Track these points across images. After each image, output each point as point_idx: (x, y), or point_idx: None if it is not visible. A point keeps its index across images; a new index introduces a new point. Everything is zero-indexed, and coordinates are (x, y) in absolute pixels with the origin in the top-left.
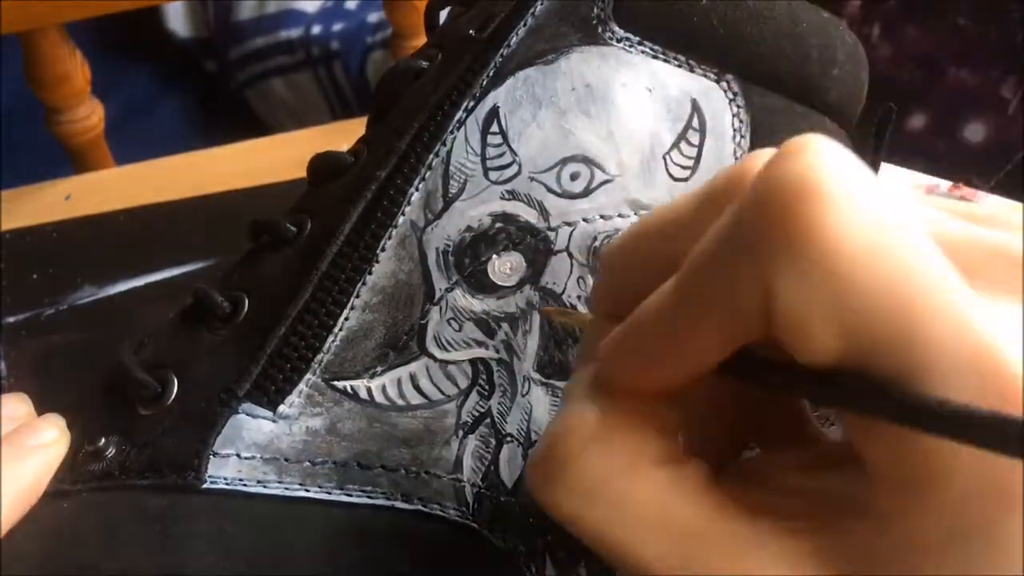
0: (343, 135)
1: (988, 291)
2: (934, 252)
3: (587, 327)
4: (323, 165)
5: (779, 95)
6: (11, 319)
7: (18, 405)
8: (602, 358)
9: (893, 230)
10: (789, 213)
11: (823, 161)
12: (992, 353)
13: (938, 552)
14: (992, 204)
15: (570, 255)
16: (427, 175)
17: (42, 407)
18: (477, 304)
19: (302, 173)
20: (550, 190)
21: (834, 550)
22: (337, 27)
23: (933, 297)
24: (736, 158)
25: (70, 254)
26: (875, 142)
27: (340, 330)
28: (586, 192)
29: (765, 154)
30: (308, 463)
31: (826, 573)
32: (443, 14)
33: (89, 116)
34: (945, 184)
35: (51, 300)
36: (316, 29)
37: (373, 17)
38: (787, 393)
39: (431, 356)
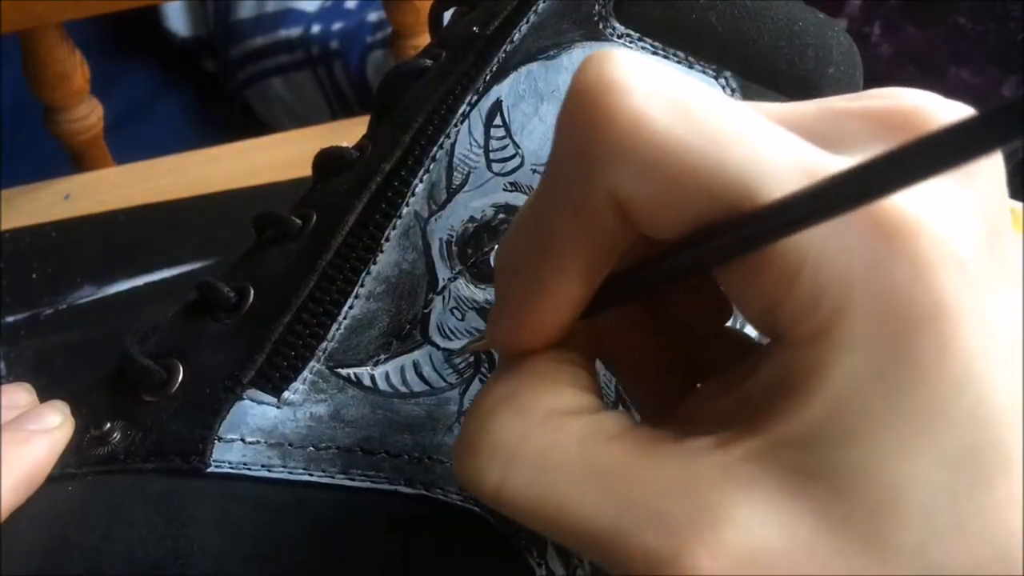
0: (343, 135)
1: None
2: (734, 102)
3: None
4: (328, 160)
5: (777, 92)
6: (11, 319)
7: (20, 394)
8: (488, 334)
9: (688, 91)
10: (598, 114)
11: (610, 60)
12: (811, 155)
13: (866, 404)
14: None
15: None
16: (431, 167)
17: None
18: (480, 294)
19: (302, 172)
20: None
21: (770, 446)
22: (337, 26)
23: (744, 128)
24: None
25: (70, 254)
26: None
27: (344, 319)
28: None
29: None
30: (312, 448)
31: (766, 473)
32: (446, 16)
33: (88, 116)
34: None
35: (51, 300)
36: (316, 28)
37: (373, 16)
38: (662, 283)
39: (434, 344)
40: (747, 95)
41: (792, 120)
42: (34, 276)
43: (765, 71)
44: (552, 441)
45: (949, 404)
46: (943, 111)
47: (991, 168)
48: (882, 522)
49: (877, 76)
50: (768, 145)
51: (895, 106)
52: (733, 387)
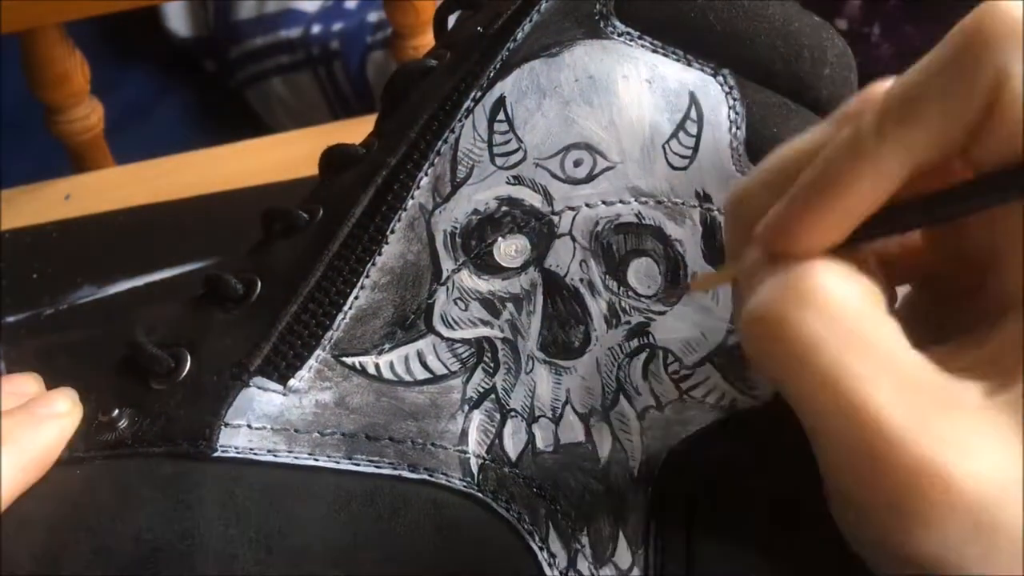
0: (343, 135)
1: None
2: None
3: (732, 273)
4: (335, 157)
5: (773, 91)
6: (11, 319)
7: (27, 383)
8: (771, 231)
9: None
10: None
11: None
12: None
13: None
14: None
15: (573, 239)
16: (436, 161)
17: None
18: (483, 284)
19: (302, 173)
20: (554, 176)
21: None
22: (337, 27)
23: None
24: (732, 148)
25: (70, 254)
26: None
27: (350, 308)
28: (589, 178)
29: (883, 84)
30: (317, 434)
31: (1014, 421)
32: (451, 20)
33: (88, 116)
34: None
35: (51, 300)
36: (316, 29)
37: (373, 17)
38: (966, 210)
39: (438, 334)
40: (743, 93)
41: None
42: (34, 276)
43: (762, 70)
44: (871, 325)
45: None
46: None
47: None
48: None
49: (877, 76)
50: None
51: None
52: (972, 348)
